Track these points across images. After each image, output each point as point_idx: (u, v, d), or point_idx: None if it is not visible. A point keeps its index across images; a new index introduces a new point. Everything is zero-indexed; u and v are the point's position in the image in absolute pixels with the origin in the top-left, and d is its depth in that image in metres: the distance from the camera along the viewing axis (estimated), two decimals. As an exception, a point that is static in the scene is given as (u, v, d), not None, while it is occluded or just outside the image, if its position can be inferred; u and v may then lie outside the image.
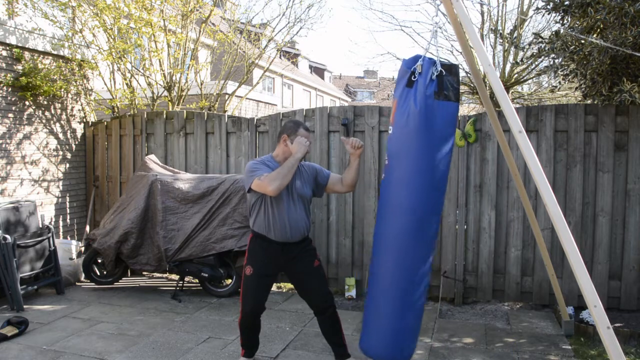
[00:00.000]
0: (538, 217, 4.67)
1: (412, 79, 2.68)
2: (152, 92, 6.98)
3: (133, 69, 6.69)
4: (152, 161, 5.67)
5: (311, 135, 3.25)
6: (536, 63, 9.20)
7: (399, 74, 2.79)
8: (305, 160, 3.31)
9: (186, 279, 5.63)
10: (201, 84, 7.70)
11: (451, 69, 2.70)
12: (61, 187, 6.19)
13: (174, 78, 7.05)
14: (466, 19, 2.59)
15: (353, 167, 3.25)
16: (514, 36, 8.25)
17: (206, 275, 5.09)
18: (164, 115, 6.05)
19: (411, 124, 2.69)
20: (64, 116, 6.22)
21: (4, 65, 5.42)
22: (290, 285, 5.67)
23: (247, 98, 10.78)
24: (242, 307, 3.28)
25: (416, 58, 2.73)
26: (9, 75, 5.46)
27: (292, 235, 3.17)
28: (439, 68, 2.65)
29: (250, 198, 3.22)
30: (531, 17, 9.68)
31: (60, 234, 6.19)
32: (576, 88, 5.34)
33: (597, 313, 2.21)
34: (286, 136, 3.20)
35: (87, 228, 6.25)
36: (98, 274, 5.64)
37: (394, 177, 2.80)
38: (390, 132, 2.84)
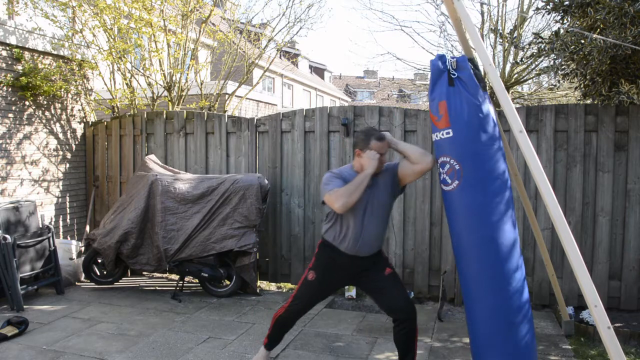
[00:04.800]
0: (538, 217, 4.67)
1: (452, 76, 2.68)
2: (152, 92, 6.98)
3: (133, 69, 6.69)
4: (152, 161, 5.67)
5: (384, 144, 3.04)
6: (536, 63, 9.19)
7: (433, 77, 2.78)
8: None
9: (186, 279, 5.63)
10: (201, 84, 7.70)
11: (473, 60, 2.76)
12: (61, 187, 6.19)
13: (174, 78, 7.05)
14: (467, 19, 2.60)
15: (400, 152, 3.08)
16: (514, 36, 8.24)
17: (206, 275, 5.10)
18: (164, 115, 6.05)
19: (476, 121, 2.66)
20: (64, 116, 6.21)
21: (4, 65, 5.42)
22: (290, 285, 5.67)
23: (247, 98, 10.79)
24: (289, 303, 3.22)
25: (441, 58, 2.75)
26: (9, 75, 5.45)
27: (362, 250, 3.04)
28: (469, 63, 2.70)
29: (326, 208, 3.08)
30: (531, 17, 9.67)
31: (60, 234, 6.19)
32: (576, 88, 5.33)
33: (597, 313, 2.21)
34: (359, 151, 3.03)
35: (87, 228, 6.25)
36: (98, 274, 5.64)
37: (474, 179, 2.70)
38: (445, 135, 2.76)
